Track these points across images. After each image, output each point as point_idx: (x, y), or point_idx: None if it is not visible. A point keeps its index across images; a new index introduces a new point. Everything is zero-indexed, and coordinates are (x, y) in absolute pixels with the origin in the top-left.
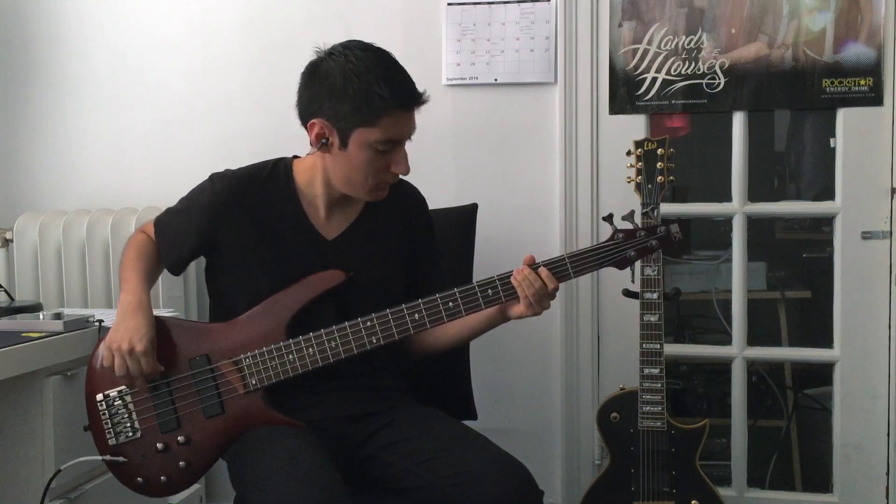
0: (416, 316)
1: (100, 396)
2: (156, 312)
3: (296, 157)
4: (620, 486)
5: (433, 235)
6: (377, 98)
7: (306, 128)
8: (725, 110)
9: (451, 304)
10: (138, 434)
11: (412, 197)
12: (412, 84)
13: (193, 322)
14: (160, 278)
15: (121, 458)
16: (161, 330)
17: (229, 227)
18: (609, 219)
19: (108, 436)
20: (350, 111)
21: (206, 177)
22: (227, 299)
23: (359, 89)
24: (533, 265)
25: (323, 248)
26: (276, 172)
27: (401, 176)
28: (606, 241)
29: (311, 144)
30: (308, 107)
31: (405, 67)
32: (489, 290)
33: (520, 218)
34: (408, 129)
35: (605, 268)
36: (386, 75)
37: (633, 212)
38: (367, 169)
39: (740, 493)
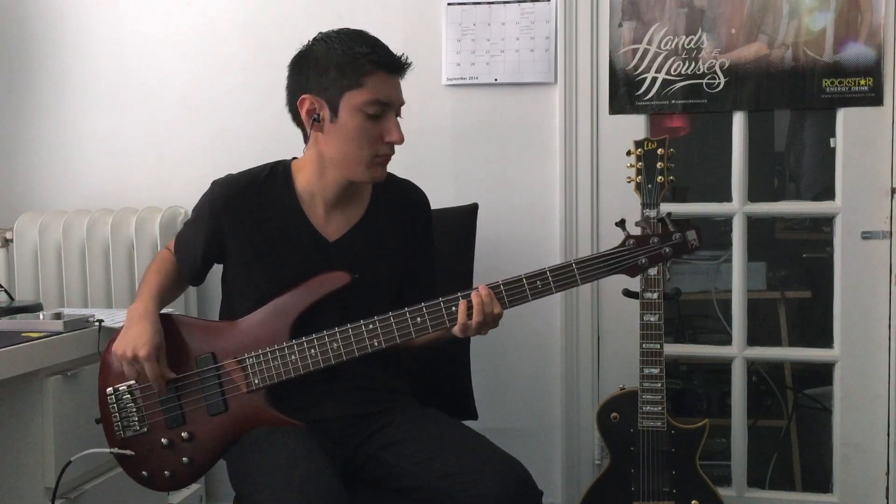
0: (419, 319)
1: (110, 390)
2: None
3: (295, 158)
4: (620, 486)
5: (431, 237)
6: (360, 56)
7: (297, 111)
8: (725, 110)
9: (453, 308)
10: (145, 428)
11: (414, 197)
12: (392, 51)
13: (201, 320)
14: None
15: (128, 452)
16: (169, 326)
17: (232, 232)
18: (621, 224)
19: (116, 429)
20: (336, 77)
21: (205, 176)
22: (235, 301)
23: (341, 54)
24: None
25: (325, 250)
26: (275, 175)
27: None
28: (617, 248)
29: (304, 124)
30: (295, 90)
31: None
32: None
33: (520, 218)
34: (395, 93)
35: (615, 275)
36: (366, 40)
37: (646, 216)
38: (360, 138)
39: (740, 493)
